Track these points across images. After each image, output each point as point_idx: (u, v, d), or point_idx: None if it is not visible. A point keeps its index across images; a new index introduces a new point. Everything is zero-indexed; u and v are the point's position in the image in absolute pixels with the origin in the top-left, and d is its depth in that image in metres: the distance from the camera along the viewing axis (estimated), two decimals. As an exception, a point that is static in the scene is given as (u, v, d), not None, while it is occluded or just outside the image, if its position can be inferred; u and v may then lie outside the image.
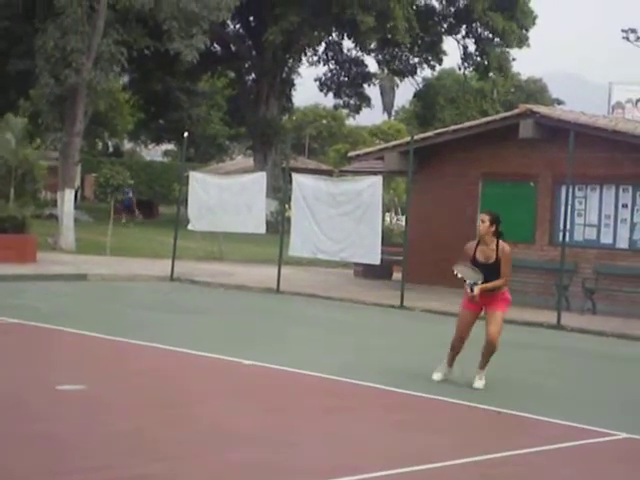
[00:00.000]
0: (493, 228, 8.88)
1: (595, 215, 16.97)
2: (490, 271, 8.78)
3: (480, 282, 8.76)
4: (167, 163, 55.32)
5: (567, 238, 15.70)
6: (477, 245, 8.96)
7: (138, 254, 22.93)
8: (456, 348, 9.08)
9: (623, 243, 16.46)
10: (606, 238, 16.83)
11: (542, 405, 8.33)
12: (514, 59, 40.45)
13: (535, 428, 7.58)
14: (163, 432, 6.53)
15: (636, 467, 6.59)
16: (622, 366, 11.48)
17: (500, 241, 8.91)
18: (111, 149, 54.53)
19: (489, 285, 8.79)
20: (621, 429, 7.46)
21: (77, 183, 31.73)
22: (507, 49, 38.75)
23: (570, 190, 15.85)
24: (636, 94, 40.19)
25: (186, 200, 19.92)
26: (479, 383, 8.92)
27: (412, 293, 16.63)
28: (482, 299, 8.86)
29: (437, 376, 9.12)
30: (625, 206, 16.70)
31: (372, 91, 45.81)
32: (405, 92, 52.27)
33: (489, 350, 8.93)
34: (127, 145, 58.43)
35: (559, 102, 55.61)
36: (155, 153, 61.20)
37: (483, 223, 8.90)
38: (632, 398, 9.05)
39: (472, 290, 8.78)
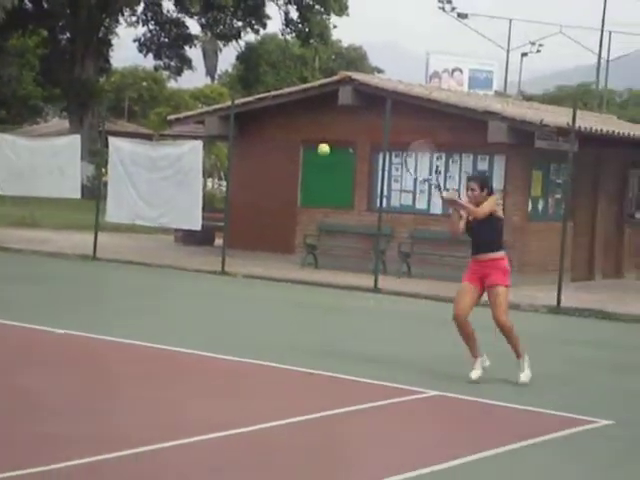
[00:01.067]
0: (485, 192, 8.00)
1: (411, 181, 17.49)
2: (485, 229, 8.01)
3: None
4: (-25, 124, 52.13)
5: (384, 204, 16.10)
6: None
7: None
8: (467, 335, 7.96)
9: (437, 209, 17.05)
10: (421, 204, 17.39)
11: (362, 366, 8.49)
12: (335, 27, 40.92)
13: (352, 388, 7.72)
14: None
15: (444, 420, 6.86)
16: (434, 327, 11.91)
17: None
18: None
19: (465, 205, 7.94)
20: (433, 387, 7.74)
21: None
22: (328, 16, 39.10)
23: (387, 157, 16.23)
24: (452, 64, 41.76)
25: (-6, 163, 18.86)
26: (523, 376, 7.97)
27: (234, 259, 16.55)
28: (479, 268, 7.96)
29: (475, 374, 7.98)
30: (439, 172, 17.29)
31: (194, 53, 45.02)
32: (228, 56, 51.78)
33: (504, 334, 8.02)
34: None
35: (379, 70, 56.80)
36: (-38, 114, 57.47)
37: (473, 191, 7.99)
38: (442, 357, 9.39)
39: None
